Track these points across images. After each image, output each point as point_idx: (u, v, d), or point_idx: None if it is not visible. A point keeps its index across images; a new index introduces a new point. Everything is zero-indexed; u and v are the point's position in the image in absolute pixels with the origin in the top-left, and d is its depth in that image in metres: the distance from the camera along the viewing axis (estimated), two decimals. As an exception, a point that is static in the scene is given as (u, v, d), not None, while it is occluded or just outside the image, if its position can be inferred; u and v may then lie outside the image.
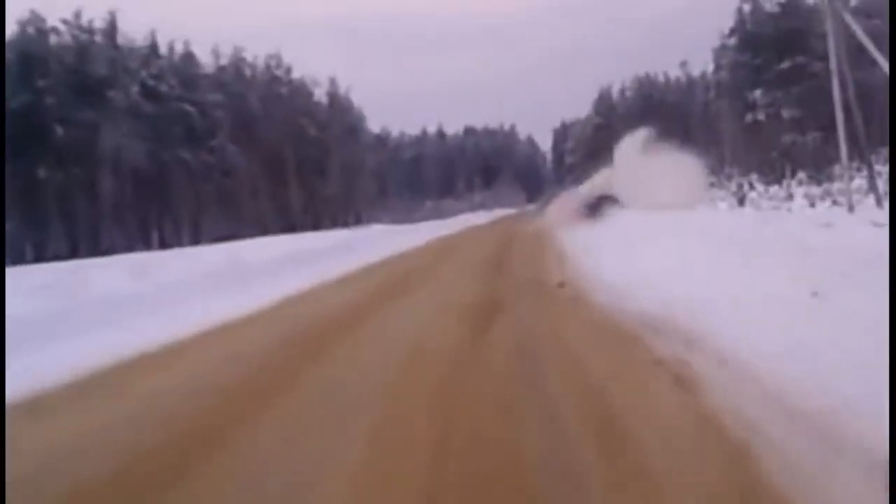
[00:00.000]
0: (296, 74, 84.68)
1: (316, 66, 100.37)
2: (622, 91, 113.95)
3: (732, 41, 71.57)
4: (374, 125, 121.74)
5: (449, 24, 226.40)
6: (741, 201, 41.02)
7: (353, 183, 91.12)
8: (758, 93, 60.93)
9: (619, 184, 39.07)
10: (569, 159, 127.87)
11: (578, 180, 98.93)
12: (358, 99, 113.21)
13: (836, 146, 21.20)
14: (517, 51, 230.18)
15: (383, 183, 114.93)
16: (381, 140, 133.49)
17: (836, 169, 34.36)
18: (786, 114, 58.89)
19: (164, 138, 59.25)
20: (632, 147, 36.89)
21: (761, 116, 60.48)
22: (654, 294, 8.18)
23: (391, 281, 16.74)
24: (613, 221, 29.03)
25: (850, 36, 18.86)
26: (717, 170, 54.20)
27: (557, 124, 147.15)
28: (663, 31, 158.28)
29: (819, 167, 47.34)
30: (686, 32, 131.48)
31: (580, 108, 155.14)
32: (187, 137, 61.98)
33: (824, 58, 47.61)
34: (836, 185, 31.50)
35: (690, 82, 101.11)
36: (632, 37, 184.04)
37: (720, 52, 79.14)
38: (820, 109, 55.79)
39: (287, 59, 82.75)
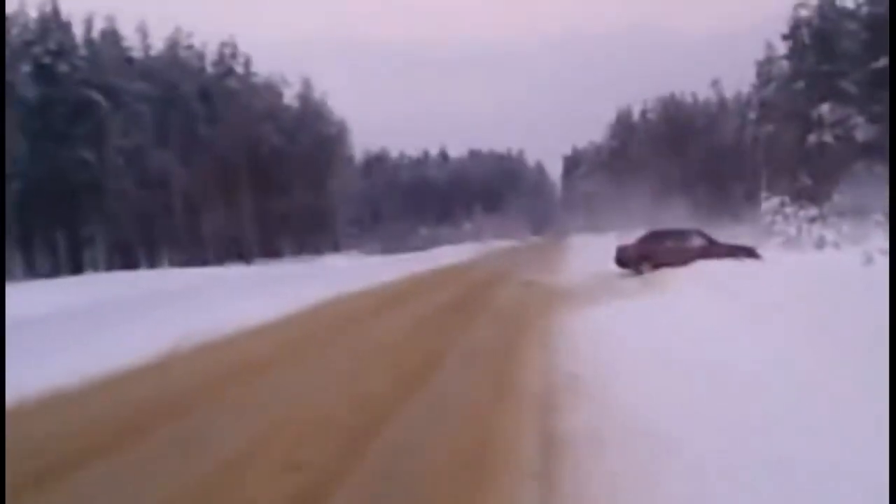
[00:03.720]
0: (262, 70, 71.32)
1: (318, 81, 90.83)
2: (643, 112, 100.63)
3: (784, 49, 57.78)
4: (372, 145, 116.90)
5: (457, 48, 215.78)
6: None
7: (329, 204, 77.70)
8: (825, 108, 46.96)
9: None
10: (582, 186, 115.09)
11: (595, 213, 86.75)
12: (356, 115, 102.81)
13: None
14: (527, 74, 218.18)
15: (377, 206, 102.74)
16: (379, 160, 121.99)
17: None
18: (860, 135, 45.15)
19: (57, 132, 45.77)
20: None
21: (828, 138, 46.58)
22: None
23: None
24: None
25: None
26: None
27: (569, 150, 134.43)
28: (689, 51, 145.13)
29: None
30: (717, 50, 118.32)
31: (594, 131, 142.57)
32: (92, 134, 48.26)
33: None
34: None
35: (723, 103, 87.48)
36: (655, 58, 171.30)
37: (765, 64, 65.71)
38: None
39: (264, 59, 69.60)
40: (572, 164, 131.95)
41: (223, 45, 67.26)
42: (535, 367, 10.40)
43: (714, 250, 25.23)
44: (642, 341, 11.20)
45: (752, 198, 66.86)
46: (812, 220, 30.83)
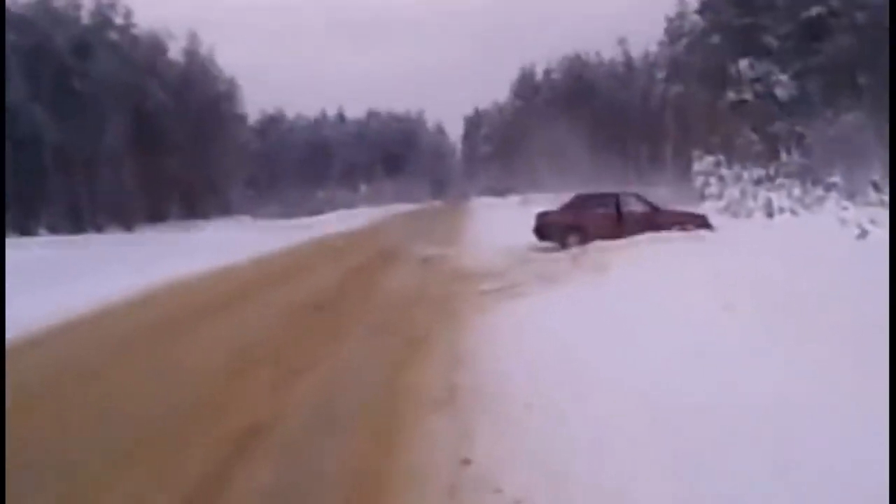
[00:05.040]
0: (144, 23, 66.01)
1: (207, 38, 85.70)
2: (547, 72, 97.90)
3: (696, 3, 55.04)
4: (267, 106, 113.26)
5: (354, 8, 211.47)
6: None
7: (220, 165, 73.36)
8: (743, 64, 44.28)
9: None
10: (483, 148, 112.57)
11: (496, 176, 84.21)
12: (248, 75, 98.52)
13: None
14: (428, 33, 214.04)
15: (273, 168, 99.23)
16: (274, 120, 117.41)
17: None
18: (783, 92, 42.75)
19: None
20: None
21: (747, 95, 44.02)
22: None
23: None
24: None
25: None
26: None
27: (470, 111, 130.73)
28: (596, 11, 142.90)
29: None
30: (624, 9, 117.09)
31: (497, 93, 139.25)
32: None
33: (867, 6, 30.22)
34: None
35: (630, 62, 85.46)
36: (560, 17, 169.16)
37: (676, 20, 63.42)
38: (846, 83, 40.11)
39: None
40: (473, 125, 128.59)
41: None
42: (438, 470, 5.49)
43: (658, 219, 21.26)
44: (607, 371, 7.33)
45: (659, 159, 64.91)
46: (758, 181, 27.97)
